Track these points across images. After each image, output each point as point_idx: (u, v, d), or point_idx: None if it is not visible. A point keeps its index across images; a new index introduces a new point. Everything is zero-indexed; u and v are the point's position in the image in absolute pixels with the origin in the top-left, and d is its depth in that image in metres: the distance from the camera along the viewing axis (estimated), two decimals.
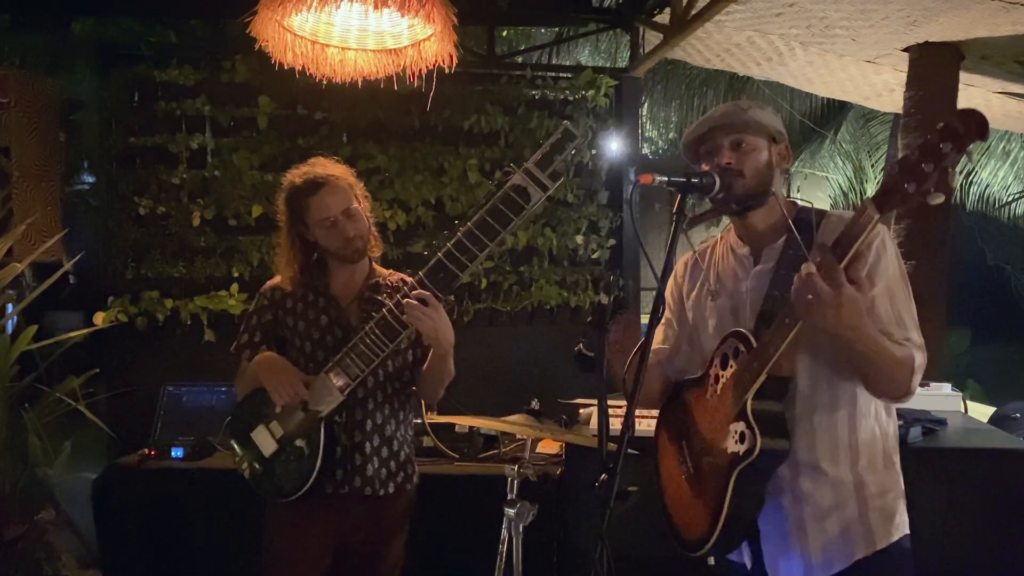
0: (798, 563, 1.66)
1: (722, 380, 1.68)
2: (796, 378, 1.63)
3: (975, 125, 1.26)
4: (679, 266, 1.94)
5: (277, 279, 2.26)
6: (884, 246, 1.62)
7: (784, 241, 1.71)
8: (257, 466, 2.12)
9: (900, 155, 1.37)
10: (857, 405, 1.68)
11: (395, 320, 1.98)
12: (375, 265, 2.27)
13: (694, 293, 1.87)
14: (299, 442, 2.06)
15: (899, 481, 1.72)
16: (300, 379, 2.05)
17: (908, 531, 1.71)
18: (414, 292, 1.96)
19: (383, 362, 2.05)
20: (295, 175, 2.20)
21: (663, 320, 1.91)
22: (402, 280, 2.19)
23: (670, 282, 1.92)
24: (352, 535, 2.16)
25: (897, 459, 1.74)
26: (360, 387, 2.10)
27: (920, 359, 1.58)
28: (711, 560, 1.73)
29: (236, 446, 2.17)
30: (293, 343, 2.18)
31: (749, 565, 1.73)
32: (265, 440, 2.10)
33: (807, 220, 1.70)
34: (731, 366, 1.65)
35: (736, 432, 1.60)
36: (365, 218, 2.19)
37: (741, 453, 1.57)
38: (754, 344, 1.59)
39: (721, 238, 1.91)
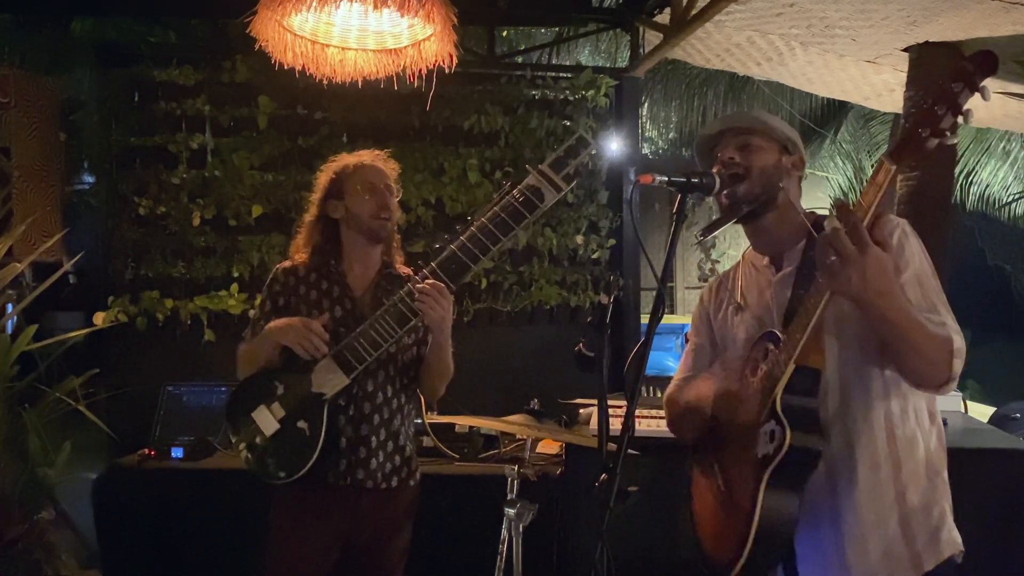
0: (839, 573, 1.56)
1: (752, 386, 1.60)
2: (825, 373, 1.53)
3: (985, 63, 1.30)
4: (704, 292, 1.93)
5: (289, 262, 2.27)
6: (906, 235, 1.58)
7: (804, 244, 1.69)
8: (256, 446, 2.12)
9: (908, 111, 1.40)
10: (894, 403, 1.58)
11: (407, 308, 2.02)
12: (390, 259, 2.30)
13: (720, 313, 1.85)
14: (301, 424, 2.06)
15: (947, 493, 1.61)
16: (320, 326, 2.06)
17: (960, 547, 1.58)
18: (428, 280, 2.00)
19: (391, 349, 2.08)
20: (352, 156, 2.28)
21: (692, 347, 1.89)
22: (411, 273, 2.20)
23: (698, 307, 1.92)
24: (358, 530, 2.17)
25: (944, 469, 1.62)
26: (370, 380, 2.13)
27: (959, 343, 1.46)
28: None
29: (235, 426, 2.16)
30: None
31: None
32: (266, 420, 2.10)
33: (822, 225, 1.66)
34: (761, 369, 1.58)
35: (767, 433, 1.50)
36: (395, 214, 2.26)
37: (771, 452, 1.47)
38: (782, 339, 1.53)
39: (743, 258, 1.87)
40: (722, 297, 1.85)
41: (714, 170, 1.70)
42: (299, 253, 2.26)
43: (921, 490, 1.57)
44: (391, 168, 2.28)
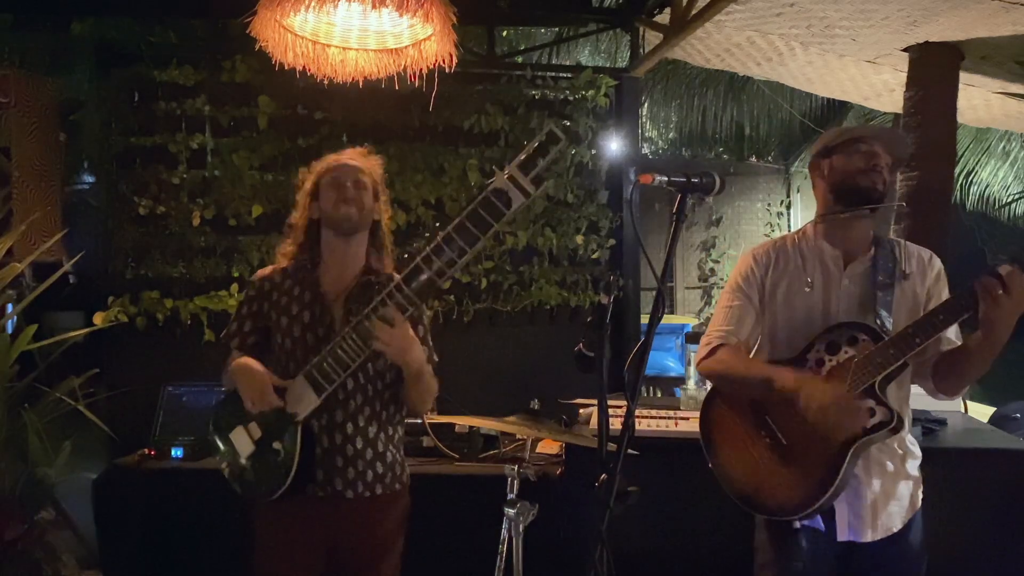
0: (868, 526, 1.92)
1: (830, 364, 1.90)
2: None
3: None
4: (760, 256, 2.10)
5: (268, 269, 2.24)
6: (944, 276, 2.01)
7: (874, 253, 1.99)
8: (235, 467, 2.11)
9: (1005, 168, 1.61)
10: (908, 390, 1.99)
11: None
12: (374, 264, 2.22)
13: (779, 283, 2.05)
14: (276, 445, 2.03)
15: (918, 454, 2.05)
16: (273, 386, 2.02)
17: None
18: (379, 311, 1.91)
19: (362, 366, 2.02)
20: (335, 156, 2.23)
21: (739, 304, 2.07)
22: (389, 278, 2.13)
23: (750, 270, 2.08)
24: (343, 540, 2.12)
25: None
26: (341, 389, 2.06)
27: None
28: (797, 523, 1.93)
29: (219, 444, 2.15)
30: (275, 338, 2.14)
31: (824, 530, 1.94)
32: (243, 441, 2.08)
33: (887, 239, 2.03)
34: (845, 352, 1.88)
35: (862, 410, 1.83)
36: (375, 210, 2.19)
37: (868, 427, 1.82)
38: (883, 335, 1.84)
39: (791, 238, 2.11)
40: (782, 270, 2.06)
41: (844, 157, 1.97)
42: (284, 256, 2.24)
43: (915, 450, 2.03)
44: (371, 164, 2.21)
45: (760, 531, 2.06)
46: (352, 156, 2.20)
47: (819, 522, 1.94)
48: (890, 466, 1.95)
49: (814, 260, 2.03)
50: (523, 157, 1.77)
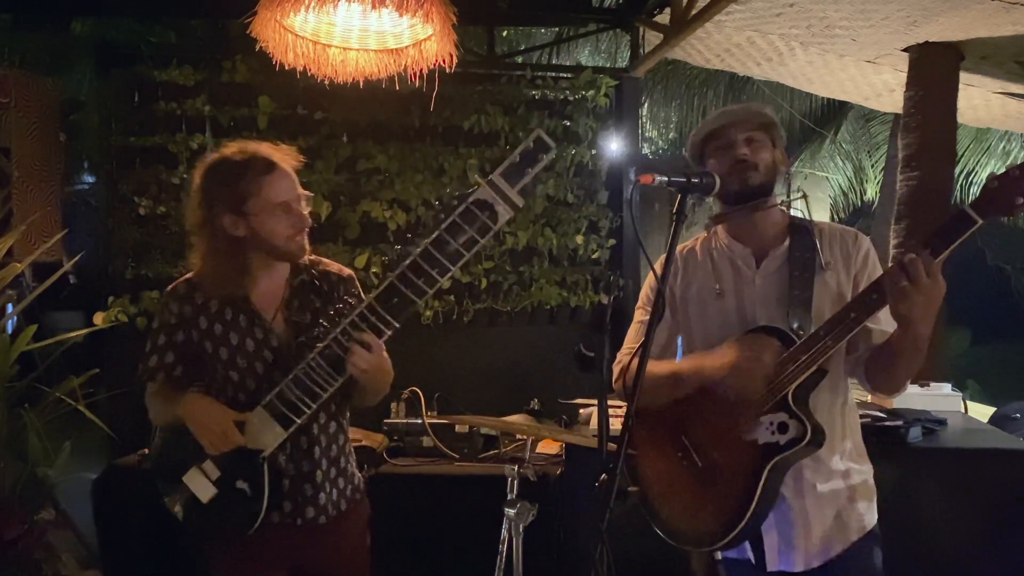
0: (800, 553, 1.74)
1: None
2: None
3: None
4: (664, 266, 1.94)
5: (181, 290, 1.96)
6: (873, 255, 1.79)
7: (789, 244, 1.81)
8: (192, 509, 1.92)
9: (1004, 168, 1.47)
10: (846, 395, 1.80)
11: (341, 350, 1.73)
12: (300, 265, 1.98)
13: (690, 292, 1.90)
14: (241, 484, 1.86)
15: (871, 470, 1.85)
16: (233, 420, 1.83)
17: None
18: (357, 334, 1.71)
19: (333, 394, 1.82)
20: (233, 151, 1.87)
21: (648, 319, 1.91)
22: (339, 277, 1.97)
23: (655, 282, 1.94)
24: (309, 559, 2.00)
25: (865, 451, 1.86)
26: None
27: None
28: (719, 555, 1.77)
29: (167, 492, 1.96)
30: (216, 370, 1.92)
31: (754, 560, 1.77)
32: (200, 483, 1.88)
33: (804, 226, 1.83)
34: None
35: (773, 423, 1.65)
36: None
37: (782, 443, 1.63)
38: (796, 339, 1.65)
39: (702, 239, 1.95)
40: (691, 275, 1.91)
41: (712, 161, 1.78)
42: (202, 279, 1.93)
43: (859, 466, 1.80)
44: (294, 161, 1.91)
45: (693, 560, 1.94)
46: (279, 156, 1.88)
47: (747, 551, 1.77)
48: (823, 485, 1.74)
49: (724, 262, 1.86)
50: (509, 164, 1.57)
